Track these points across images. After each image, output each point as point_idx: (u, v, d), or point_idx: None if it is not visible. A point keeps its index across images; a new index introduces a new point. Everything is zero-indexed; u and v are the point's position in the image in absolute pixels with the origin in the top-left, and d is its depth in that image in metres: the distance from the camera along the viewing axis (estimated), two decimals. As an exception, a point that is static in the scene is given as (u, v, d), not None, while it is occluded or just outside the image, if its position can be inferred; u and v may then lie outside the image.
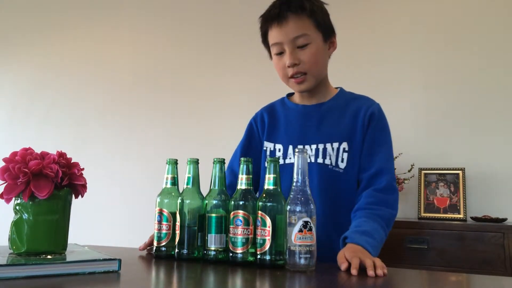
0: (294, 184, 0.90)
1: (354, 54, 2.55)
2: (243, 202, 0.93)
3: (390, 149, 1.21)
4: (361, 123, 1.19)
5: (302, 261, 0.84)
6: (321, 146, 1.19)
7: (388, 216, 1.09)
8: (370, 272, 0.82)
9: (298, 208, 0.86)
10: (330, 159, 1.17)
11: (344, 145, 1.17)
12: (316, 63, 1.17)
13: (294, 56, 1.15)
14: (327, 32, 1.20)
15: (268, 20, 1.19)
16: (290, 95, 1.34)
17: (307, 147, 1.19)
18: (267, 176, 0.93)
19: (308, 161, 1.13)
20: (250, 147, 1.31)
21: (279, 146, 1.24)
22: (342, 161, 1.17)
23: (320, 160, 1.18)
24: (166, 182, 1.06)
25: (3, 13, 3.58)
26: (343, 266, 0.87)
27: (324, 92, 1.26)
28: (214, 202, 0.97)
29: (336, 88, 1.31)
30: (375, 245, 0.98)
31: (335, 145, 1.18)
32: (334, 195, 1.16)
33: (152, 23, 3.12)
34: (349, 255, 0.89)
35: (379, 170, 1.14)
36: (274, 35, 1.18)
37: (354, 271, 0.84)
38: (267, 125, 1.29)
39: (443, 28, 2.40)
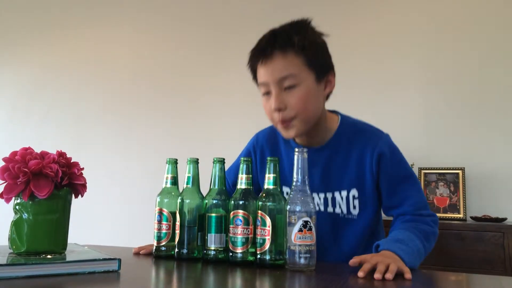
0: (294, 183, 0.90)
1: (354, 54, 2.55)
2: (243, 201, 0.92)
3: (414, 179, 1.12)
4: (369, 168, 1.09)
5: (302, 260, 0.85)
6: (329, 195, 1.11)
7: (427, 231, 1.03)
8: (377, 275, 0.80)
9: (298, 208, 0.86)
10: (340, 207, 1.11)
11: (354, 192, 1.10)
12: (305, 108, 1.03)
13: (280, 100, 1.02)
14: (322, 70, 1.06)
15: (255, 56, 1.07)
16: None
17: (314, 195, 1.11)
18: (267, 175, 0.93)
19: (317, 209, 1.08)
20: None
21: (286, 189, 1.14)
22: (354, 208, 1.10)
23: (330, 209, 1.11)
24: (166, 182, 1.06)
25: (3, 13, 3.58)
26: (352, 261, 0.86)
27: (323, 132, 1.13)
28: (214, 201, 0.97)
29: (334, 113, 1.19)
30: (408, 252, 0.92)
31: (344, 193, 1.10)
32: (349, 241, 1.11)
33: (152, 23, 3.12)
34: (366, 257, 0.86)
35: (408, 199, 1.08)
36: (261, 73, 1.06)
37: (360, 273, 0.82)
38: None
39: (443, 27, 2.40)
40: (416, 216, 1.06)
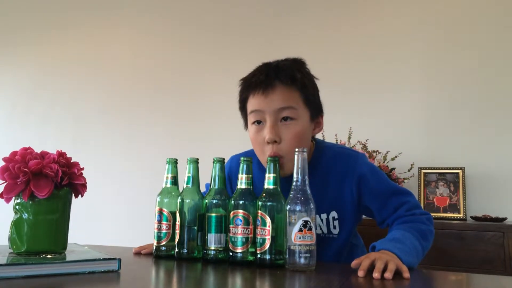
0: (294, 183, 0.90)
1: (354, 54, 2.55)
2: (243, 201, 0.93)
3: (401, 190, 1.12)
4: (349, 190, 1.10)
5: (302, 260, 0.85)
6: None
7: (424, 229, 1.03)
8: (375, 275, 0.80)
9: (298, 208, 0.86)
10: (321, 229, 1.12)
11: (333, 214, 1.11)
12: (296, 146, 0.96)
13: (275, 132, 1.01)
14: (315, 110, 1.08)
15: (251, 86, 1.05)
16: None
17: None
18: (267, 175, 0.93)
19: None
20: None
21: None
22: (335, 228, 1.12)
23: None
24: (166, 182, 1.06)
25: (3, 13, 3.58)
26: (353, 263, 0.86)
27: None
28: (214, 201, 0.97)
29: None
30: (405, 250, 0.92)
31: (324, 216, 1.12)
32: (329, 257, 1.12)
33: (152, 23, 3.12)
34: (365, 256, 0.87)
35: (399, 209, 1.08)
36: (255, 102, 1.03)
37: (360, 273, 0.82)
38: None
39: (443, 28, 2.40)
40: (410, 216, 1.06)
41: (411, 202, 1.09)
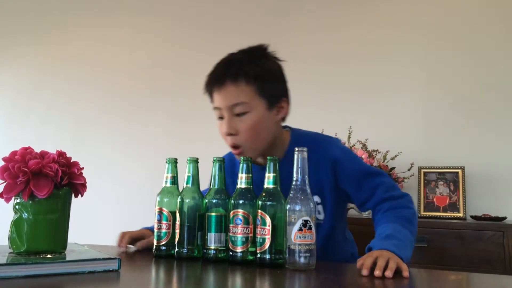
0: (294, 183, 0.90)
1: (354, 53, 2.55)
2: (242, 201, 0.93)
3: (376, 171, 1.16)
4: (325, 174, 1.12)
5: (302, 260, 0.85)
6: None
7: (408, 215, 1.05)
8: (377, 272, 0.80)
9: (298, 207, 0.86)
10: None
11: (316, 198, 1.12)
12: (254, 136, 1.08)
13: (231, 125, 1.08)
14: (273, 98, 1.10)
15: (210, 82, 1.12)
16: None
17: None
18: (266, 175, 0.93)
19: None
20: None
21: None
22: (319, 213, 1.13)
23: None
24: (166, 181, 1.06)
25: (3, 12, 3.57)
26: (358, 264, 0.86)
27: (278, 149, 1.15)
28: (214, 201, 0.97)
29: (285, 128, 1.21)
30: (400, 246, 0.93)
31: None
32: (319, 244, 1.10)
33: (153, 22, 3.12)
34: (367, 255, 0.87)
35: (376, 190, 1.11)
36: (215, 99, 1.11)
37: (364, 271, 0.82)
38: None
39: (443, 26, 2.40)
40: (390, 201, 1.08)
41: (386, 183, 1.12)
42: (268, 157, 0.94)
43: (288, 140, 1.18)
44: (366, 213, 2.11)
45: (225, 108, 1.08)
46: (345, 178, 1.13)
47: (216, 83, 1.09)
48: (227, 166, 1.15)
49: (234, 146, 1.09)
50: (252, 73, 1.07)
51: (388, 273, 0.80)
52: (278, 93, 1.13)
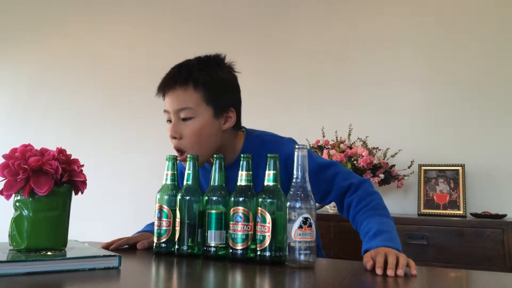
0: (294, 180, 0.90)
1: (353, 52, 2.55)
2: (243, 198, 0.93)
3: (330, 163, 1.17)
4: (281, 175, 1.10)
5: (302, 257, 0.85)
6: None
7: (378, 201, 1.08)
8: (390, 271, 0.80)
9: (298, 205, 0.86)
10: None
11: None
12: (197, 141, 1.11)
13: (175, 129, 1.12)
14: (221, 107, 1.12)
15: (161, 85, 1.15)
16: None
17: None
18: (267, 172, 0.93)
19: None
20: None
21: None
22: None
23: None
24: (166, 179, 1.06)
25: (3, 10, 3.57)
26: (369, 265, 0.85)
27: (231, 151, 1.18)
28: (214, 198, 0.97)
29: (240, 129, 1.23)
30: (392, 237, 0.95)
31: None
32: None
33: (153, 19, 3.11)
34: (374, 253, 0.87)
35: (334, 181, 1.12)
36: (165, 101, 1.14)
37: (378, 271, 0.81)
38: None
39: (444, 25, 2.39)
40: (352, 189, 1.09)
41: (342, 172, 1.14)
42: (268, 155, 0.94)
43: (241, 144, 1.20)
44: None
45: (172, 111, 1.12)
46: None
47: (167, 86, 1.13)
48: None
49: (178, 150, 1.13)
50: (201, 80, 1.11)
51: (400, 272, 0.80)
52: (226, 102, 1.15)
